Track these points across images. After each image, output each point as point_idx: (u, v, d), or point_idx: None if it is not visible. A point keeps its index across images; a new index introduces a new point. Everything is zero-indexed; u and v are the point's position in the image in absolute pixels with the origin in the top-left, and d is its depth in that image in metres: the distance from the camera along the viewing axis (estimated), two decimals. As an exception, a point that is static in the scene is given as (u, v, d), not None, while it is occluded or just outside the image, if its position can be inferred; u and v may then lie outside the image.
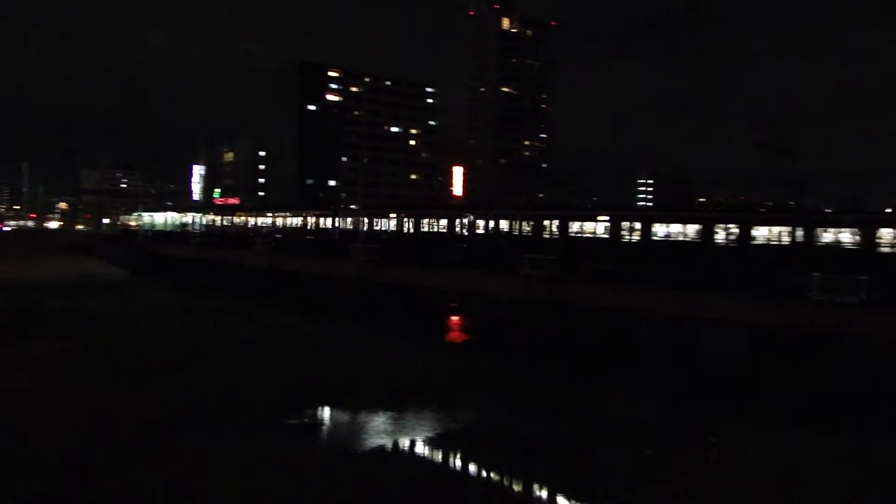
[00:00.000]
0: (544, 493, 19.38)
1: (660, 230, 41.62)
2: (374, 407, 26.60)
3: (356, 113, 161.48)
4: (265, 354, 35.69)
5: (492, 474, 20.75)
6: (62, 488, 18.45)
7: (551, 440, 23.17)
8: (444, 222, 61.18)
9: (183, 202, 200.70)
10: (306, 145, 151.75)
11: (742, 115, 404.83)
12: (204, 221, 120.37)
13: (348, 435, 23.93)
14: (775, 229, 37.03)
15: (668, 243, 40.72)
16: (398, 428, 24.41)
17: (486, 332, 42.88)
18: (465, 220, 57.32)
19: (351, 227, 73.65)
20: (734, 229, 38.26)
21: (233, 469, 20.10)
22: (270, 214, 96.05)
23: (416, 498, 18.75)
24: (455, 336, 45.27)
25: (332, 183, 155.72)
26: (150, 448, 21.63)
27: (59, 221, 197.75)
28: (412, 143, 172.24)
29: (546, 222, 48.68)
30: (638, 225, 42.80)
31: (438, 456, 22.22)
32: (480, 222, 55.77)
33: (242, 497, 18.23)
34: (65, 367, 32.35)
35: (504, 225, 52.70)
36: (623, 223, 43.36)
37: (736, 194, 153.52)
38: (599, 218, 44.93)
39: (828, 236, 35.26)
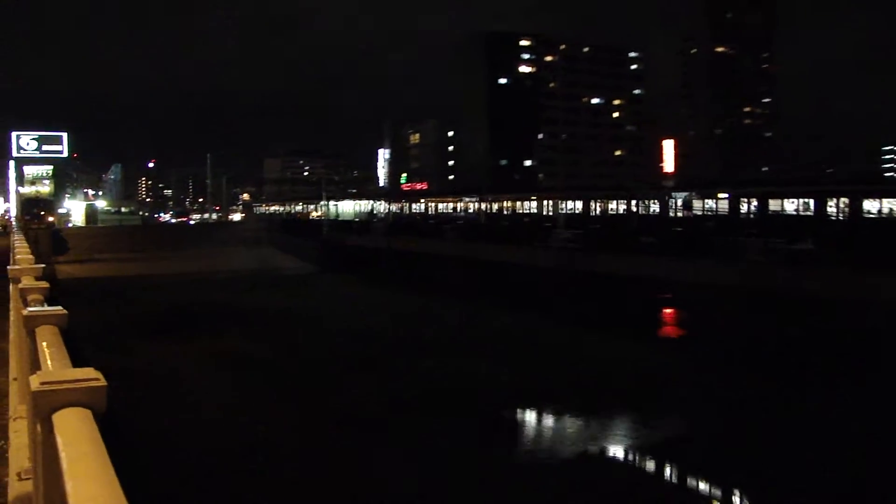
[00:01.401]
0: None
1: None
2: (588, 412, 25.56)
3: (551, 85, 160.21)
4: (464, 352, 35.53)
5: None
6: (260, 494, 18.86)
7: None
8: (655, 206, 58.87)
9: (368, 189, 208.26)
10: (498, 123, 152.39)
11: None
12: (391, 209, 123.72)
13: (562, 441, 23.07)
14: None
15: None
16: (604, 433, 23.25)
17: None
18: (678, 202, 54.84)
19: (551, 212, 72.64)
20: None
21: (441, 470, 19.83)
22: (461, 199, 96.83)
23: None
24: (674, 331, 43.15)
25: (527, 163, 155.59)
26: (350, 447, 21.85)
27: (242, 213, 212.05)
28: (615, 115, 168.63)
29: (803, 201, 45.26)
30: None
31: (652, 464, 20.84)
32: (708, 203, 53.01)
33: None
34: (251, 366, 33.69)
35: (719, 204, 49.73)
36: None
37: None
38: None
39: None
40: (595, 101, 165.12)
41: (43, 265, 7.79)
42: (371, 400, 27.90)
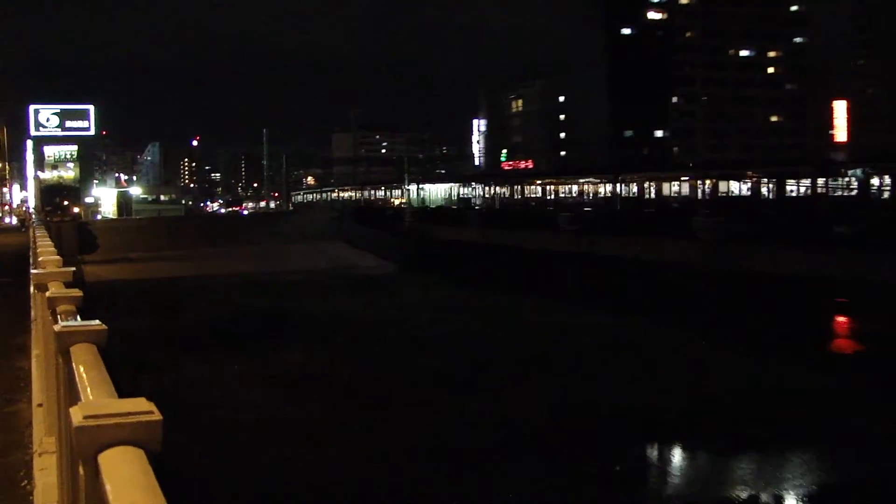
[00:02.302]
0: None
1: None
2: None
3: (688, 34, 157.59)
4: (574, 368, 35.44)
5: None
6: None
7: None
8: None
9: (461, 169, 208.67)
10: (620, 85, 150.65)
11: None
12: (489, 192, 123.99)
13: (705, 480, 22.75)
14: None
15: None
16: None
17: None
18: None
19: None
20: None
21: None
22: (578, 180, 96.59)
23: None
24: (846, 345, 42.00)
25: (658, 133, 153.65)
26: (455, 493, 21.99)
27: (275, 202, 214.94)
28: (770, 70, 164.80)
29: None
30: None
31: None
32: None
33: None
34: (322, 387, 34.09)
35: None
36: None
37: None
38: None
39: None
40: (744, 53, 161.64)
41: (73, 268, 8.01)
42: (476, 431, 27.96)
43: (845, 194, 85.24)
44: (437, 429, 28.29)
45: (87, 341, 3.79)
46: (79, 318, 4.88)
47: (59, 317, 5.02)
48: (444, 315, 51.95)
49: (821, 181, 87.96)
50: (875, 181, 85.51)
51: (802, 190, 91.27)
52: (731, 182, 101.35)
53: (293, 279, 70.39)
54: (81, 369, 3.32)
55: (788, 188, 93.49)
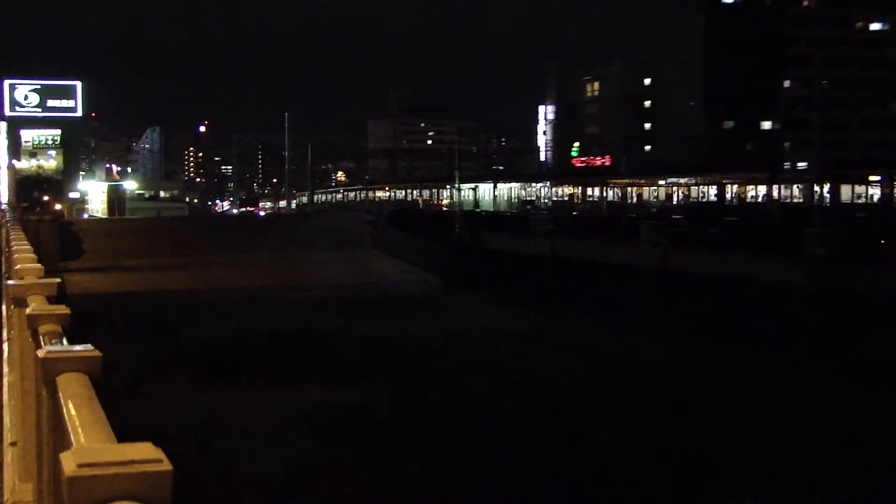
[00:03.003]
0: None
1: None
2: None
3: (805, 2, 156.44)
4: (662, 406, 35.46)
5: None
6: None
7: None
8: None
9: (522, 165, 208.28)
10: (718, 66, 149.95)
11: None
12: (557, 194, 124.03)
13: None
14: None
15: None
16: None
17: None
18: None
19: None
20: None
21: None
22: (664, 181, 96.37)
23: None
24: None
25: (766, 125, 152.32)
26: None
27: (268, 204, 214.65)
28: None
29: None
30: None
31: None
32: None
33: None
34: (354, 425, 34.20)
35: None
36: None
37: None
38: None
39: None
40: (875, 26, 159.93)
41: (57, 279, 8.03)
42: (530, 481, 27.90)
43: None
44: (485, 479, 28.26)
45: (78, 370, 3.77)
46: (65, 341, 4.87)
47: (41, 339, 5.01)
48: (497, 341, 51.92)
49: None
50: None
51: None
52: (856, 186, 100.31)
53: (318, 295, 70.61)
54: (71, 405, 3.30)
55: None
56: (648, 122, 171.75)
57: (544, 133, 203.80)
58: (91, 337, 4.54)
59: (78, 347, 4.17)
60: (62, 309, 5.73)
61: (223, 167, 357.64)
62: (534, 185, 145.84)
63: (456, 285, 76.25)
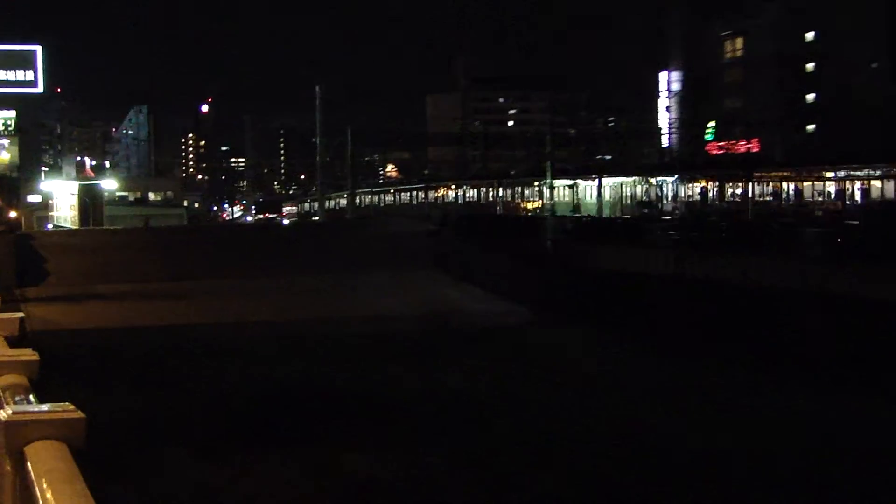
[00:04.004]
0: None
1: None
2: None
3: None
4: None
5: None
6: None
7: None
8: None
9: (637, 154, 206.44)
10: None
11: None
12: (687, 192, 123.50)
13: None
14: None
15: None
16: None
17: None
18: None
19: None
20: None
21: None
22: (834, 173, 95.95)
23: None
24: None
25: None
26: None
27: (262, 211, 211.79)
28: None
29: None
30: None
31: None
32: None
33: None
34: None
35: None
36: None
37: None
38: None
39: None
40: None
41: (19, 314, 8.09)
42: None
43: None
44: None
45: (54, 437, 3.78)
46: (32, 397, 4.89)
47: (2, 395, 5.02)
48: (615, 398, 51.38)
49: None
50: None
51: None
52: None
53: (362, 332, 70.03)
54: (45, 485, 3.31)
55: None
56: (811, 91, 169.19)
57: (667, 109, 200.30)
58: (60, 390, 4.53)
59: (50, 407, 4.17)
60: (28, 354, 5.73)
61: (233, 160, 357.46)
62: (653, 180, 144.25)
63: (549, 317, 75.72)
